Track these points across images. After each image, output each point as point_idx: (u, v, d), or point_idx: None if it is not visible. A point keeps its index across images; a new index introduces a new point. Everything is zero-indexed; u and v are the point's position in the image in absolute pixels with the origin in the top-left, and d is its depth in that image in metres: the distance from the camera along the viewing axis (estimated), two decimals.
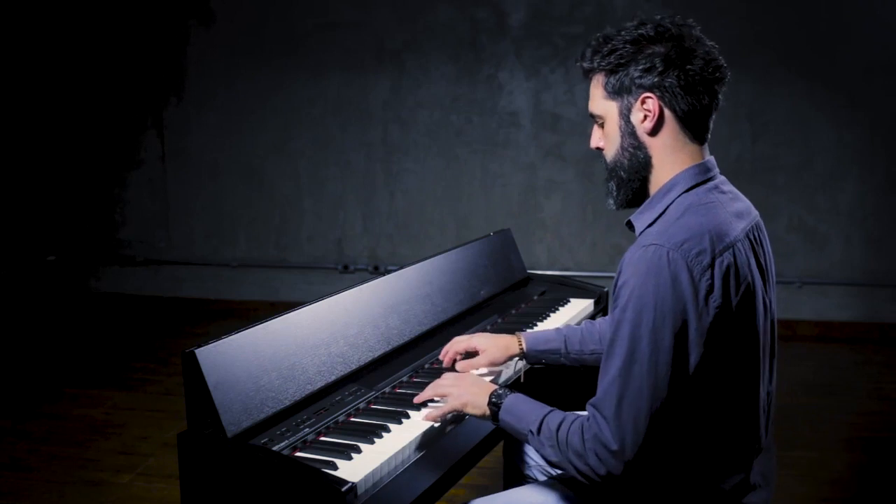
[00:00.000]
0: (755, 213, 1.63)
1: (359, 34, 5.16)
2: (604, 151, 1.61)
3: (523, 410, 1.57)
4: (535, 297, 2.64)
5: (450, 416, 1.68)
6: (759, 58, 4.79)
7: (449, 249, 2.47)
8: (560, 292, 2.68)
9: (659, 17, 1.55)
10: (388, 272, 2.23)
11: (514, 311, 2.50)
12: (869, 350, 4.74)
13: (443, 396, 1.71)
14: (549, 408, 1.56)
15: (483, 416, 1.64)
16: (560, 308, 2.52)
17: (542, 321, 2.40)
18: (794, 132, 4.84)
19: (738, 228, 1.50)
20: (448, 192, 5.23)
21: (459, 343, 2.00)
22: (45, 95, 5.60)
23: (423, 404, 1.75)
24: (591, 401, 1.47)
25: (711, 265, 1.41)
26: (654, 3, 4.79)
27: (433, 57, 5.12)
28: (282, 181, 5.41)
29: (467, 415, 1.68)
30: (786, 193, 4.89)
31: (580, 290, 2.70)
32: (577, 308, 2.54)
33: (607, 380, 1.44)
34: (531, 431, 1.54)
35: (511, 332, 2.29)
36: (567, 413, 1.53)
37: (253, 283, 5.54)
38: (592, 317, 2.53)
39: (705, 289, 1.40)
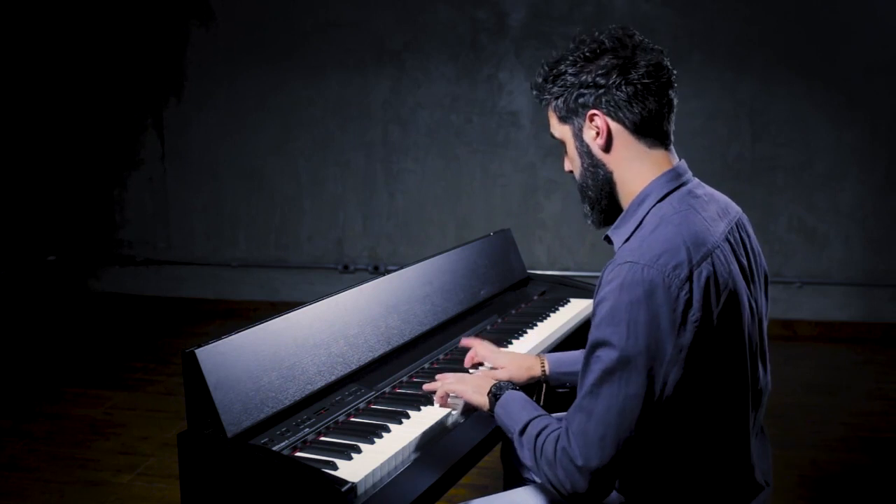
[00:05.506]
0: (734, 210, 1.61)
1: (359, 34, 5.16)
2: (574, 173, 1.62)
3: (515, 409, 1.59)
4: (535, 297, 2.64)
5: (451, 393, 1.73)
6: (760, 58, 4.79)
7: (449, 249, 2.47)
8: (560, 292, 2.68)
9: (597, 32, 1.55)
10: (388, 272, 2.23)
11: (514, 311, 2.50)
12: (869, 350, 4.74)
13: (449, 381, 1.76)
14: (538, 411, 1.57)
15: (481, 406, 1.68)
16: (560, 308, 2.52)
17: (542, 321, 2.40)
18: (794, 132, 4.84)
19: (716, 234, 1.48)
20: (448, 192, 5.23)
21: (485, 350, 1.99)
22: (45, 95, 5.60)
23: (430, 400, 1.80)
24: (565, 415, 1.47)
25: (689, 278, 1.38)
26: (653, 4, 4.79)
27: (433, 57, 5.12)
28: (282, 181, 5.41)
29: (468, 402, 1.71)
30: (786, 193, 4.89)
31: (580, 290, 2.70)
32: (577, 308, 2.54)
33: (580, 396, 1.43)
34: (516, 431, 1.55)
35: (511, 332, 2.30)
36: (552, 420, 1.53)
37: (253, 283, 5.54)
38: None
39: (683, 304, 1.38)
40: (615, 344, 1.38)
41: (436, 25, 5.08)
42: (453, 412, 1.76)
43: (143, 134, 5.55)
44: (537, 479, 2.00)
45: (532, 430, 1.52)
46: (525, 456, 1.52)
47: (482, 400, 1.67)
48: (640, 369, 1.37)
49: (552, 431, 1.48)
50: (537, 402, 2.00)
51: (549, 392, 2.03)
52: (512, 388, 1.65)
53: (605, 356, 1.39)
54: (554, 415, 1.95)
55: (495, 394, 1.64)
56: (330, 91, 5.26)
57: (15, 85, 5.57)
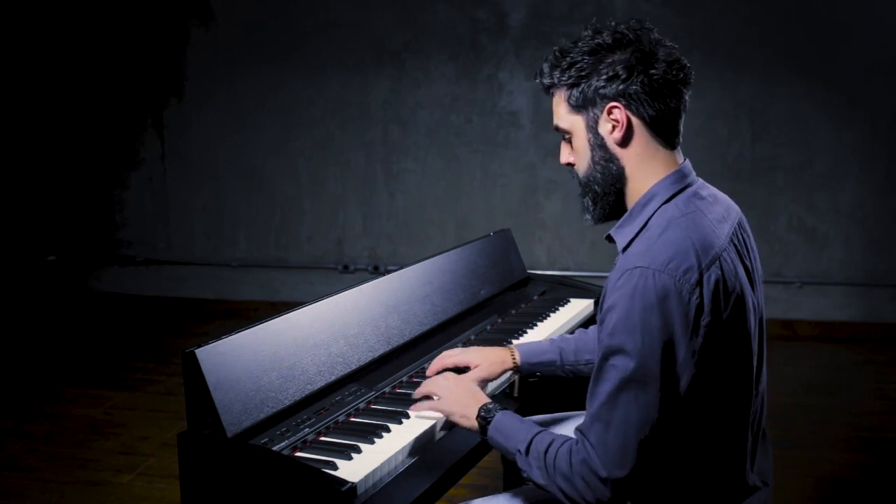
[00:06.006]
0: (735, 210, 1.61)
1: (359, 34, 5.16)
2: (575, 167, 1.57)
3: (512, 429, 1.54)
4: (535, 297, 2.64)
5: (436, 412, 1.69)
6: (760, 57, 4.79)
7: (449, 249, 2.47)
8: (560, 292, 2.67)
9: (614, 23, 1.52)
10: (388, 272, 2.23)
11: (514, 311, 2.50)
12: (869, 350, 4.74)
13: (436, 395, 1.70)
14: (538, 427, 1.54)
15: (470, 429, 1.62)
16: (560, 308, 2.52)
17: (542, 321, 2.40)
18: (794, 132, 4.84)
19: (722, 236, 1.46)
20: (448, 192, 5.23)
21: (450, 357, 1.96)
22: (44, 95, 5.60)
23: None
24: (579, 426, 1.44)
25: (699, 282, 1.37)
26: (653, 3, 4.79)
27: (433, 57, 5.12)
28: (282, 181, 5.41)
29: (455, 424, 1.66)
30: (786, 193, 4.89)
31: (580, 290, 2.69)
32: (577, 308, 2.54)
33: (595, 405, 1.41)
34: (519, 451, 1.51)
35: (511, 332, 2.29)
36: (557, 434, 1.50)
37: (253, 283, 5.54)
38: (592, 317, 2.53)
39: (695, 308, 1.36)
40: (630, 351, 1.36)
41: (436, 25, 5.08)
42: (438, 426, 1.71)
43: (143, 134, 5.55)
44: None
45: (538, 447, 1.48)
46: (535, 474, 1.48)
47: (470, 423, 1.62)
48: (656, 375, 1.36)
49: (561, 444, 1.46)
50: (512, 393, 1.99)
51: (522, 382, 2.01)
52: (500, 409, 1.60)
53: (621, 364, 1.37)
54: (539, 416, 1.94)
55: (485, 417, 1.59)
56: (330, 91, 5.26)
57: (15, 85, 5.57)
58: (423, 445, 1.67)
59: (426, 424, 1.70)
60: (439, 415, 1.72)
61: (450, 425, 1.72)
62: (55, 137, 5.64)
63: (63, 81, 5.56)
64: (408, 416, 1.74)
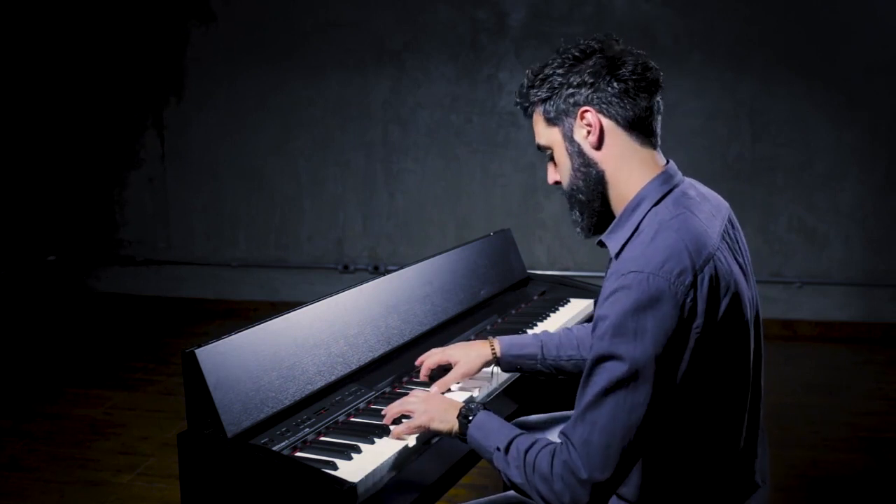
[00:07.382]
0: (724, 207, 1.61)
1: (359, 34, 5.16)
2: (561, 183, 1.60)
3: (493, 428, 1.54)
4: (535, 297, 2.64)
5: (416, 432, 1.65)
6: (760, 58, 4.79)
7: (449, 249, 2.47)
8: (560, 292, 2.68)
9: (581, 39, 1.55)
10: (388, 272, 2.23)
11: (514, 311, 2.50)
12: (869, 350, 4.74)
13: (410, 413, 1.68)
14: (519, 430, 1.53)
15: (450, 432, 1.61)
16: (560, 308, 2.52)
17: (542, 321, 2.40)
18: (794, 132, 4.84)
19: (714, 234, 1.47)
20: (448, 192, 5.23)
21: (433, 356, 1.96)
22: (45, 95, 5.60)
23: (395, 421, 1.71)
24: (563, 428, 1.44)
25: (693, 284, 1.37)
26: (653, 4, 4.79)
27: (433, 57, 5.12)
28: (282, 181, 5.41)
29: (433, 431, 1.64)
30: (786, 193, 4.89)
31: (580, 290, 2.70)
32: (577, 308, 2.54)
33: (581, 406, 1.40)
34: (498, 448, 1.50)
35: (511, 332, 2.29)
36: (539, 437, 1.50)
37: (253, 283, 5.54)
38: (592, 317, 2.53)
39: (689, 311, 1.37)
40: (623, 355, 1.36)
41: (436, 25, 5.08)
42: (410, 445, 1.66)
43: (143, 134, 5.55)
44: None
45: (519, 447, 1.48)
46: (512, 473, 1.47)
47: (450, 426, 1.61)
48: (646, 378, 1.36)
49: (544, 446, 1.45)
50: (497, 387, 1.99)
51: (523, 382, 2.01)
52: (483, 409, 1.59)
53: (613, 367, 1.37)
54: (534, 416, 1.93)
55: (466, 415, 1.58)
56: (330, 91, 5.26)
57: (15, 85, 5.57)
58: (423, 446, 1.66)
59: None
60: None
61: (425, 442, 1.68)
62: (55, 137, 5.64)
63: (63, 81, 5.56)
64: (408, 416, 1.74)
